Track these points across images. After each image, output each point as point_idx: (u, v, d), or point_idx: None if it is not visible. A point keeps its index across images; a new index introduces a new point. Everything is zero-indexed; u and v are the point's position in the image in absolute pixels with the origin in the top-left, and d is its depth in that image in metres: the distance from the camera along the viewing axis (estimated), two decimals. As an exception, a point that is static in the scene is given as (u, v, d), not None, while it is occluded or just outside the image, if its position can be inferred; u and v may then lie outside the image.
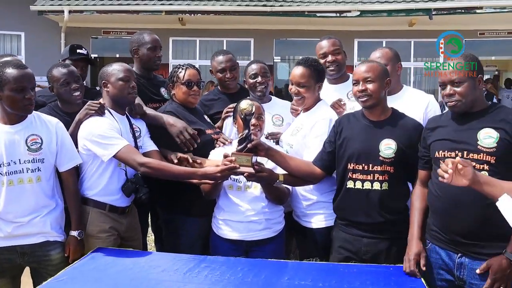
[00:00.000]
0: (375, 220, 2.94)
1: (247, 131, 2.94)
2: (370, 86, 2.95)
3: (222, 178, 3.00)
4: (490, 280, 2.50)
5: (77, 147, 3.12)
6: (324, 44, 3.79)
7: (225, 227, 3.21)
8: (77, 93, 3.35)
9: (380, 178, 2.92)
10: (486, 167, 2.55)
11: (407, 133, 2.95)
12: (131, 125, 3.30)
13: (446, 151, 2.68)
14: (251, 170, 2.92)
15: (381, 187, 2.92)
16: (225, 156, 2.99)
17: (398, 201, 2.97)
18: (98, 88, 3.47)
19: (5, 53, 12.81)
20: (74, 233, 3.02)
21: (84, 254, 2.97)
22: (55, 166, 3.03)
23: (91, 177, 3.14)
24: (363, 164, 2.95)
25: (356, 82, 3.00)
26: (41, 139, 2.93)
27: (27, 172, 2.88)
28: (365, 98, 2.97)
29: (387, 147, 2.91)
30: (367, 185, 2.94)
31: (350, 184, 2.99)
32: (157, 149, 3.37)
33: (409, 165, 2.94)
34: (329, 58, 3.74)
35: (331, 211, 3.20)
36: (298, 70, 3.30)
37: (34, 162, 2.90)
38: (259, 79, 3.72)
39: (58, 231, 3.03)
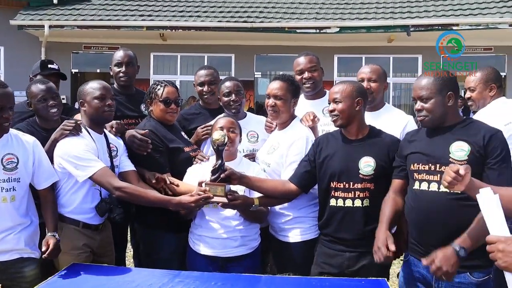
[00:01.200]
0: (356, 236, 2.99)
1: (220, 161, 3.00)
2: (337, 106, 3.03)
3: (196, 207, 3.07)
4: (434, 267, 2.41)
5: (52, 164, 3.12)
6: (301, 61, 3.83)
7: (201, 243, 3.23)
8: (54, 110, 3.37)
9: (361, 195, 2.98)
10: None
11: (385, 149, 3.02)
12: (108, 144, 3.29)
13: (420, 164, 2.76)
14: (224, 199, 2.99)
15: (362, 204, 2.98)
16: (199, 184, 3.05)
17: (378, 216, 2.99)
18: (77, 105, 3.47)
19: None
20: (52, 233, 2.98)
21: (58, 270, 2.95)
22: (30, 184, 3.02)
23: (66, 194, 3.13)
24: (344, 182, 3.01)
25: (329, 102, 3.11)
26: (17, 158, 2.92)
27: (2, 191, 2.86)
28: (334, 118, 3.07)
29: (366, 165, 2.98)
30: (349, 203, 3.00)
31: (332, 202, 3.04)
32: (134, 169, 3.36)
33: (389, 180, 3.00)
34: (306, 74, 3.78)
35: (308, 226, 3.26)
36: (275, 84, 3.37)
37: (9, 181, 2.89)
38: (232, 97, 3.69)
39: (32, 248, 3.01)
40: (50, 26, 11.96)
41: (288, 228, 3.31)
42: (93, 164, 3.03)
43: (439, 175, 2.65)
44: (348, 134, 3.11)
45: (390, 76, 13.25)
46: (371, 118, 3.28)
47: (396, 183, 2.96)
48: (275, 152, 3.38)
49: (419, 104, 2.76)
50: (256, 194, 3.19)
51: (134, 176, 3.31)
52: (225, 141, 3.01)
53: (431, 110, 2.73)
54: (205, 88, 3.95)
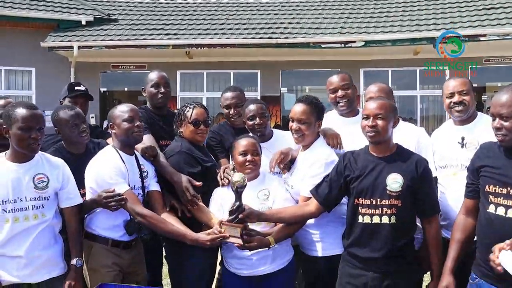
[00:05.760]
0: (381, 254, 2.92)
1: (238, 203, 3.00)
2: (380, 122, 2.95)
3: (211, 246, 3.13)
4: None
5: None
6: (334, 80, 3.77)
7: (235, 263, 3.26)
8: (84, 135, 3.45)
9: (388, 211, 2.91)
10: None
11: (412, 168, 2.95)
12: (139, 166, 3.35)
13: (497, 187, 2.62)
14: (240, 241, 3.01)
15: (389, 220, 2.91)
16: (219, 224, 3.10)
17: (405, 234, 2.96)
18: (105, 124, 3.54)
19: (16, 88, 13.07)
20: (73, 261, 3.04)
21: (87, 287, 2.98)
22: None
23: (95, 212, 3.21)
24: (371, 199, 2.95)
25: (366, 117, 3.01)
26: (47, 178, 2.99)
27: (32, 209, 2.92)
28: (373, 134, 2.97)
29: (394, 181, 2.91)
30: (376, 219, 2.93)
31: (360, 219, 2.98)
32: (159, 190, 3.41)
33: (416, 199, 2.95)
34: (339, 93, 3.71)
35: (336, 240, 3.19)
36: (299, 107, 3.32)
37: (39, 199, 2.95)
38: (257, 120, 3.65)
39: (60, 265, 3.06)
40: (79, 47, 12.22)
41: (315, 242, 3.30)
42: (118, 188, 3.13)
43: None
44: (377, 152, 3.04)
45: (418, 89, 13.12)
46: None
47: (468, 203, 2.85)
48: (297, 172, 3.37)
49: (498, 122, 2.60)
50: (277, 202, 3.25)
51: (158, 197, 3.37)
52: (244, 183, 3.00)
53: (511, 129, 2.57)
54: (231, 111, 3.93)
